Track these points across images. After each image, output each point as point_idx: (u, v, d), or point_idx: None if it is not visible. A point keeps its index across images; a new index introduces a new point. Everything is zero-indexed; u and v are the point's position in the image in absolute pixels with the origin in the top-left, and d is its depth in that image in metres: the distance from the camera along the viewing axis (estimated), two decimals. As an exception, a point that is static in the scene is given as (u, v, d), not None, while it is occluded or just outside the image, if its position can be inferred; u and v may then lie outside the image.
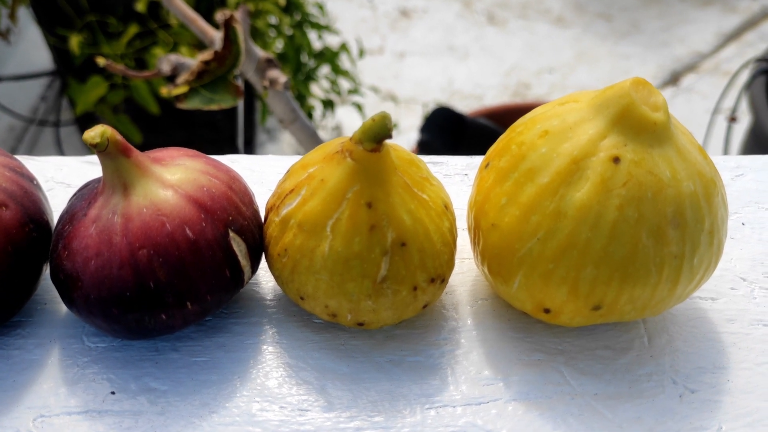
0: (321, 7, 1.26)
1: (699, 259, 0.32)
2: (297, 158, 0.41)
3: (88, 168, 0.47)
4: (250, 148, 1.43)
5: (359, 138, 0.31)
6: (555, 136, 0.32)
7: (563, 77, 1.78)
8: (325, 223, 0.32)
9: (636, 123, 0.31)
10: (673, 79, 1.77)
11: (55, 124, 1.31)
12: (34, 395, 0.34)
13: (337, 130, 1.59)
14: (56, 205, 0.42)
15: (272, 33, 1.15)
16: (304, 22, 1.20)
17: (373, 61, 1.80)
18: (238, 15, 0.57)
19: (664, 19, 1.96)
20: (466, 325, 0.38)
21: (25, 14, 1.25)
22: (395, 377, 0.35)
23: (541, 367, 0.35)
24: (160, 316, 0.33)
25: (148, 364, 0.35)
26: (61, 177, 0.46)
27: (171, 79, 0.58)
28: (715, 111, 1.15)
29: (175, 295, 0.32)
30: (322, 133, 1.37)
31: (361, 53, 1.34)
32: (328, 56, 1.23)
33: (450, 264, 0.35)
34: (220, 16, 0.56)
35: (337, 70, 1.25)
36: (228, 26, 0.56)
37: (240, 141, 0.94)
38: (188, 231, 0.32)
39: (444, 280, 0.34)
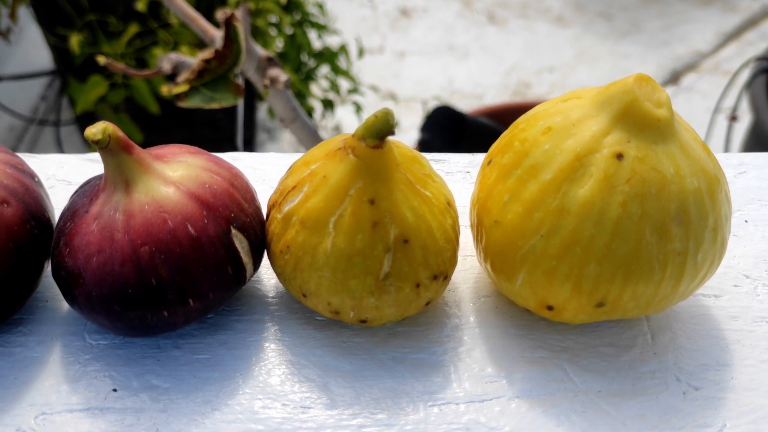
0: (321, 7, 1.26)
1: (702, 256, 0.32)
2: (299, 155, 0.41)
3: (89, 165, 0.47)
4: (250, 148, 1.43)
5: (362, 134, 0.31)
6: (558, 133, 0.32)
7: (563, 76, 1.78)
8: (328, 220, 0.32)
9: (639, 119, 0.30)
10: (674, 78, 1.77)
11: (56, 124, 1.31)
12: (36, 392, 0.34)
13: (337, 130, 1.59)
14: (57, 202, 0.42)
15: (273, 32, 1.15)
16: (304, 22, 1.20)
17: (373, 60, 1.80)
18: (239, 14, 0.57)
19: (665, 19, 1.96)
20: (468, 322, 0.37)
21: (25, 14, 1.24)
22: (398, 374, 0.35)
23: (544, 364, 0.35)
24: (162, 313, 0.33)
25: (150, 362, 0.35)
26: (62, 174, 0.46)
27: (171, 77, 0.58)
28: (716, 110, 1.15)
29: (177, 292, 0.32)
30: (321, 133, 1.36)
31: (361, 53, 1.34)
32: (328, 56, 1.23)
33: (453, 261, 0.34)
34: (220, 14, 0.56)
35: (336, 70, 1.25)
36: (229, 25, 0.55)
37: (240, 140, 0.94)
38: (190, 228, 0.32)
39: (447, 277, 0.34)
